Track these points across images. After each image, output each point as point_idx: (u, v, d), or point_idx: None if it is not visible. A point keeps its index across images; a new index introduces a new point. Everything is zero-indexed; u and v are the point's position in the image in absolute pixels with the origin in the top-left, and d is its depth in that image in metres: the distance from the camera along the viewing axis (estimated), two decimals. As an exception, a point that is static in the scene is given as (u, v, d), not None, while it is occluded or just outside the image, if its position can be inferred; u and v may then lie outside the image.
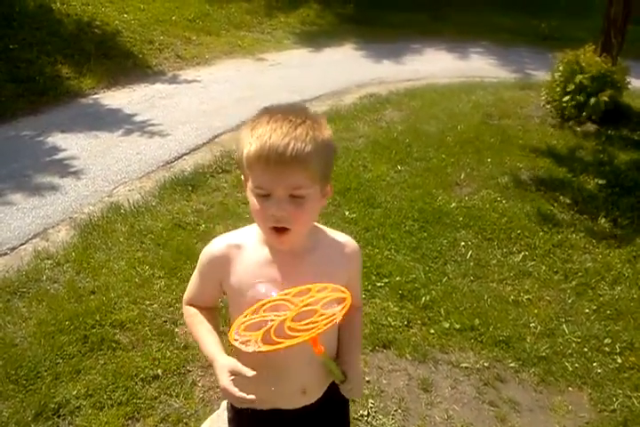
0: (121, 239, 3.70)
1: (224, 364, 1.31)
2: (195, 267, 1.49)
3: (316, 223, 1.42)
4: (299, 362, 1.40)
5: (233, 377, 1.28)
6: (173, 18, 8.78)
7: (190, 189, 4.38)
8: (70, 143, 5.08)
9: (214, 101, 6.25)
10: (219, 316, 1.54)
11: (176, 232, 3.80)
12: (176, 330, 2.99)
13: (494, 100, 6.50)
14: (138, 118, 5.70)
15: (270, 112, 1.27)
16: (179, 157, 5.01)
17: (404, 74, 7.58)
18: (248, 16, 9.60)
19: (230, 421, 1.59)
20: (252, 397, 1.26)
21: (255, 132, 1.23)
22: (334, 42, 8.88)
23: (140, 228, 3.82)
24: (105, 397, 2.57)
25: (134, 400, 2.57)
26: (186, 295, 1.51)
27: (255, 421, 1.37)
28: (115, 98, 6.21)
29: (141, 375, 2.68)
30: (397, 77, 7.41)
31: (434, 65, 8.04)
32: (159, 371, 2.71)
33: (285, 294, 1.30)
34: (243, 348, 1.23)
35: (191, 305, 1.49)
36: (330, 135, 1.28)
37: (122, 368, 2.71)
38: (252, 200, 1.27)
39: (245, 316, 1.28)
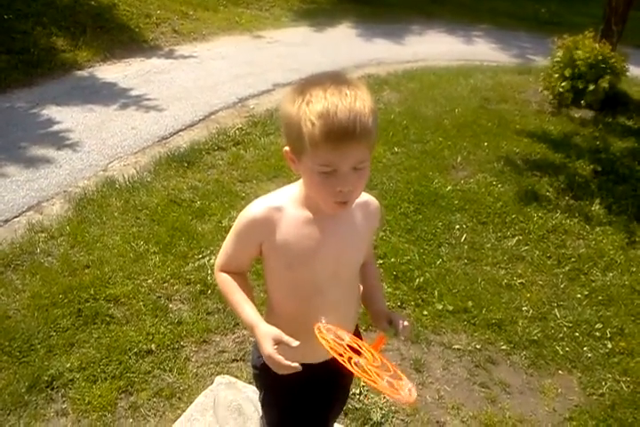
0: (115, 214, 3.68)
1: (267, 331, 1.33)
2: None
3: None
4: (332, 312, 1.42)
5: (276, 346, 1.30)
6: (171, -9, 8.63)
7: (186, 165, 4.35)
8: (65, 116, 5.02)
9: (211, 78, 6.19)
10: (249, 280, 1.56)
11: (171, 208, 3.78)
12: (170, 305, 2.99)
13: (493, 84, 6.48)
14: (133, 93, 5.63)
15: (320, 83, 1.21)
16: (174, 133, 4.97)
17: (403, 55, 7.53)
18: (246, -8, 9.46)
19: (256, 376, 1.65)
20: (296, 364, 1.28)
21: (313, 108, 1.19)
22: (333, 21, 8.79)
23: (134, 203, 3.80)
24: (98, 370, 2.58)
25: (128, 374, 2.58)
26: (219, 261, 1.51)
27: (281, 375, 1.36)
28: (110, 71, 6.13)
29: (135, 350, 2.69)
30: (396, 59, 7.35)
31: (433, 47, 7.98)
32: (153, 346, 2.72)
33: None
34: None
35: (224, 271, 1.50)
36: (374, 105, 1.25)
37: (115, 342, 2.72)
38: (313, 177, 1.26)
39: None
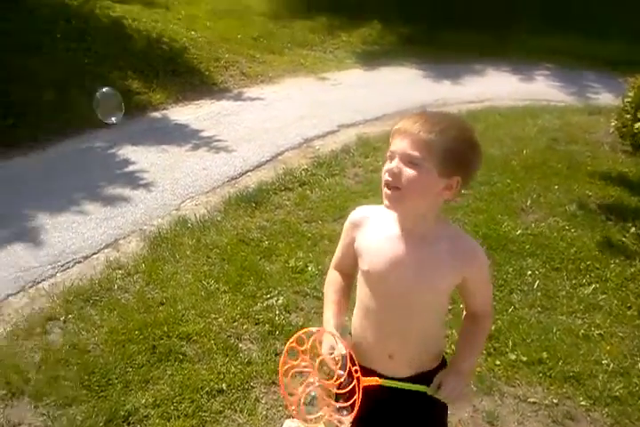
0: (188, 253, 3.79)
1: (328, 335, 1.51)
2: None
3: (450, 225, 1.61)
4: (388, 328, 1.58)
5: (331, 353, 1.49)
6: (239, 36, 8.99)
7: (254, 205, 4.46)
8: (140, 156, 5.26)
9: (277, 119, 6.36)
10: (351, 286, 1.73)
11: (240, 248, 3.86)
12: (240, 345, 3.03)
13: (561, 124, 6.38)
14: (204, 134, 5.85)
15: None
16: (243, 174, 5.11)
17: (467, 95, 7.54)
18: (311, 35, 9.75)
19: None
20: (340, 372, 1.46)
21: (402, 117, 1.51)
22: (396, 62, 8.91)
23: (205, 242, 3.91)
24: (172, 408, 2.63)
25: (200, 413, 2.61)
26: (332, 261, 1.77)
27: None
28: (182, 113, 6.40)
29: (207, 389, 2.73)
30: (459, 99, 7.37)
31: (497, 87, 7.96)
32: (224, 385, 2.75)
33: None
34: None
35: (335, 270, 1.75)
36: (464, 137, 1.47)
37: (188, 380, 2.77)
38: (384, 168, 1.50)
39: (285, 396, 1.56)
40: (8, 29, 6.83)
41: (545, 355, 2.99)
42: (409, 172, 1.43)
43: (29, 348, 2.96)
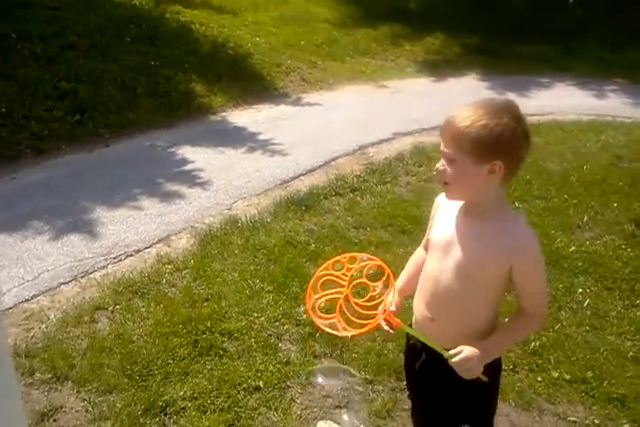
0: (236, 252, 3.87)
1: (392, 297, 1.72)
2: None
3: (510, 211, 1.73)
4: (435, 292, 1.74)
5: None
6: (302, 42, 9.13)
7: (304, 208, 4.51)
8: (198, 156, 5.41)
9: (333, 125, 6.42)
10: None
11: (287, 249, 3.91)
12: (279, 345, 3.07)
13: (626, 141, 6.16)
14: (261, 137, 5.97)
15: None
16: (295, 177, 5.18)
17: (529, 108, 7.28)
18: (373, 43, 9.79)
19: None
20: (387, 328, 1.75)
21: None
22: (458, 72, 8.83)
23: (254, 242, 3.98)
24: (209, 401, 2.69)
25: (235, 408, 2.66)
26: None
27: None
28: (241, 116, 6.55)
29: (244, 385, 2.78)
30: (522, 111, 7.21)
31: (562, 101, 7.76)
32: (261, 383, 2.79)
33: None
34: (333, 332, 1.69)
35: (423, 248, 1.95)
36: (496, 123, 1.56)
37: (226, 376, 2.82)
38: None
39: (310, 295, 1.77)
40: (80, 32, 7.18)
41: (590, 374, 2.89)
42: (449, 168, 1.60)
43: (77, 335, 3.09)
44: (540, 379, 2.88)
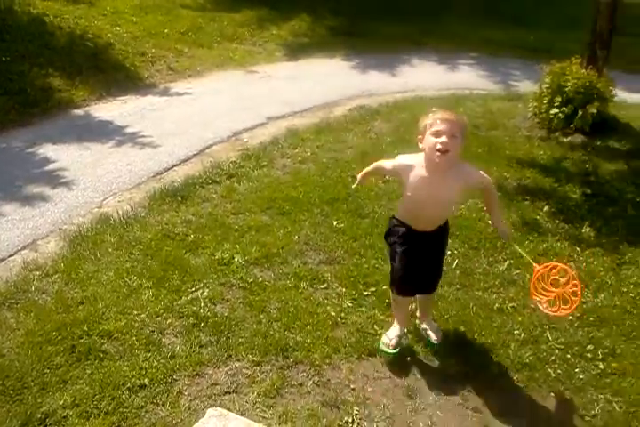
0: (110, 250, 3.73)
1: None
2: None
3: (464, 164, 2.73)
4: (434, 213, 2.77)
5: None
6: (166, 31, 8.85)
7: (180, 199, 4.42)
8: (61, 155, 5.12)
9: (205, 113, 6.31)
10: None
11: (165, 243, 3.83)
12: (163, 339, 3.01)
13: (483, 111, 6.58)
14: (129, 130, 5.74)
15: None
16: (169, 169, 5.06)
17: (394, 86, 7.66)
18: (240, 29, 9.68)
19: (389, 232, 2.92)
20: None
21: (435, 112, 2.63)
22: (325, 54, 8.96)
23: (128, 238, 3.85)
24: (91, 406, 2.60)
25: (121, 409, 2.59)
26: (379, 164, 2.89)
27: (403, 232, 2.81)
28: (106, 110, 6.26)
29: (128, 385, 2.71)
30: (387, 89, 7.49)
31: (424, 77, 8.12)
32: (146, 380, 2.74)
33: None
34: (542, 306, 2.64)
35: (377, 167, 2.92)
36: (465, 122, 2.74)
37: (109, 378, 2.74)
38: (430, 140, 2.56)
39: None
40: None
41: (462, 328, 3.10)
42: (453, 141, 2.54)
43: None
44: (417, 339, 3.04)
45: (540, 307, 2.61)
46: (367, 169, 2.97)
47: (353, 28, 10.19)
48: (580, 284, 2.50)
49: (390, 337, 2.90)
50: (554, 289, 2.54)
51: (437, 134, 2.52)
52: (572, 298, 2.48)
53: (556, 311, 2.55)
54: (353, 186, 3.10)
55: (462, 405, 2.68)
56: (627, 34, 8.37)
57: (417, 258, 2.80)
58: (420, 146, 2.63)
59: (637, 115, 6.60)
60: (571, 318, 3.26)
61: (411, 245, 2.79)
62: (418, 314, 3.10)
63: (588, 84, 5.84)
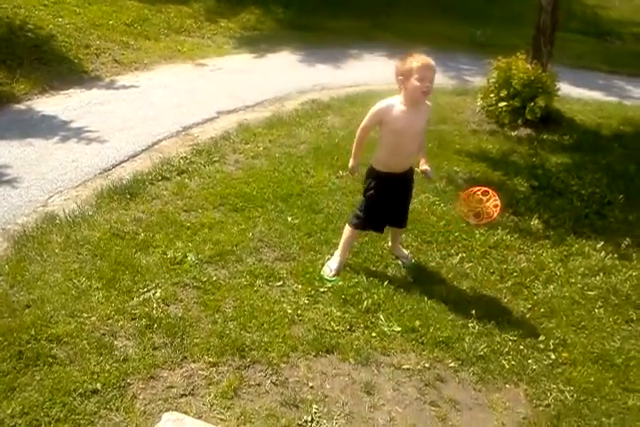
0: (56, 251, 3.59)
1: (353, 164, 3.56)
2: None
3: (426, 103, 3.32)
4: (408, 153, 3.37)
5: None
6: (111, 22, 8.58)
7: (129, 197, 4.29)
8: (3, 151, 4.90)
9: (153, 107, 6.16)
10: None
11: (114, 242, 3.71)
12: (115, 342, 2.92)
13: (432, 105, 6.60)
14: (74, 125, 5.54)
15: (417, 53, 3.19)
16: (117, 165, 4.91)
17: (345, 80, 7.67)
18: (188, 20, 9.48)
19: (368, 177, 3.49)
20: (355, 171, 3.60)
21: (417, 57, 3.12)
22: (276, 47, 8.89)
23: (75, 238, 3.72)
24: (42, 414, 2.50)
25: (73, 416, 2.50)
26: (363, 125, 3.37)
27: (382, 176, 3.37)
28: (49, 104, 6.02)
29: (80, 390, 2.61)
30: (338, 83, 7.49)
31: (374, 71, 8.12)
32: (98, 385, 2.65)
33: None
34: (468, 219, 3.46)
35: (364, 130, 3.40)
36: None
37: (59, 384, 2.64)
38: (415, 83, 3.09)
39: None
40: None
41: (417, 323, 3.14)
42: (433, 85, 3.14)
43: None
44: (374, 334, 3.07)
45: (469, 221, 3.42)
46: (356, 141, 3.42)
47: (302, 21, 10.13)
48: (499, 198, 3.34)
49: (332, 267, 3.47)
50: (478, 205, 3.31)
51: (422, 79, 3.06)
52: (494, 209, 3.25)
53: (480, 220, 3.31)
54: (350, 164, 3.50)
55: (420, 399, 2.71)
56: (569, 30, 8.63)
57: (391, 198, 3.42)
58: (400, 85, 3.17)
59: (580, 109, 6.83)
60: (522, 309, 3.35)
61: (387, 187, 3.37)
62: (389, 245, 3.74)
63: (533, 78, 5.99)
